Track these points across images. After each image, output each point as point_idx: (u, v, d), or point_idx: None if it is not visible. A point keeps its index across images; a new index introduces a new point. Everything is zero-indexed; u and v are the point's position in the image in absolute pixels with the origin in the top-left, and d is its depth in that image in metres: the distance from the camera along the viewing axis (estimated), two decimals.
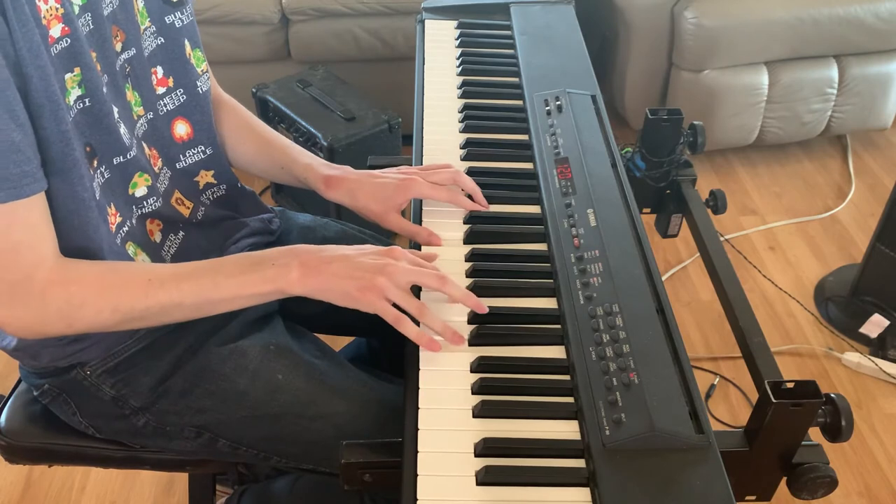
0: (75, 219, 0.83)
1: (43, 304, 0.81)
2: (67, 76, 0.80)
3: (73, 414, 0.99)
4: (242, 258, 0.89)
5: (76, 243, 0.84)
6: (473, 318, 0.89)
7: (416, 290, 0.91)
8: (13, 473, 1.71)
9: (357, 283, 0.85)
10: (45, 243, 0.80)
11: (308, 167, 1.08)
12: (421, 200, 1.06)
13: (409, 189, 1.03)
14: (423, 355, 0.85)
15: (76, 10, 0.80)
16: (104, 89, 0.84)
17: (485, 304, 0.88)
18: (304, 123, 2.08)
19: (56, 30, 0.77)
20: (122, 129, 0.88)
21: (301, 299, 0.89)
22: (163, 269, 0.87)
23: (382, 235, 1.22)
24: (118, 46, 0.89)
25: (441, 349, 0.85)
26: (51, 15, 0.77)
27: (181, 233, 1.01)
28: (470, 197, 1.05)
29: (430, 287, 0.87)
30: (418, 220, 1.03)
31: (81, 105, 0.82)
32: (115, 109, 0.87)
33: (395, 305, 0.85)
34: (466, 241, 1.00)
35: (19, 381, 1.07)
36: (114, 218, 0.89)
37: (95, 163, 0.86)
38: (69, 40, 0.79)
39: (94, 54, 0.83)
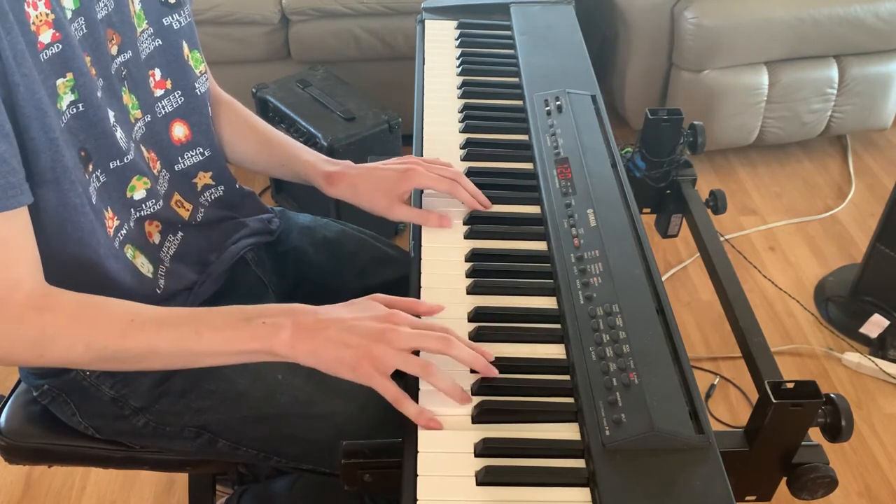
0: (68, 226, 0.82)
1: (16, 330, 0.77)
2: (59, 81, 0.79)
3: (73, 414, 0.99)
4: (233, 311, 0.83)
5: (71, 251, 0.83)
6: (474, 316, 0.89)
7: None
8: (13, 473, 1.71)
9: (352, 353, 0.78)
10: (21, 263, 0.77)
11: (308, 164, 1.08)
12: (421, 200, 1.06)
13: (411, 179, 1.03)
14: (423, 356, 0.85)
15: (68, 14, 0.80)
16: (99, 93, 0.84)
17: (494, 370, 0.82)
18: (304, 123, 2.08)
19: (46, 35, 0.76)
20: (119, 133, 0.88)
21: (301, 299, 0.88)
22: (148, 311, 0.82)
23: (383, 235, 1.22)
24: (113, 50, 0.88)
25: (443, 428, 0.78)
26: (40, 21, 0.76)
27: (180, 233, 1.01)
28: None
29: (434, 351, 0.80)
30: None
31: (75, 110, 0.81)
32: (112, 113, 0.86)
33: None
34: (466, 241, 1.00)
35: (19, 382, 1.07)
36: (111, 221, 0.89)
37: (90, 167, 0.85)
38: (60, 45, 0.78)
39: (87, 58, 0.82)
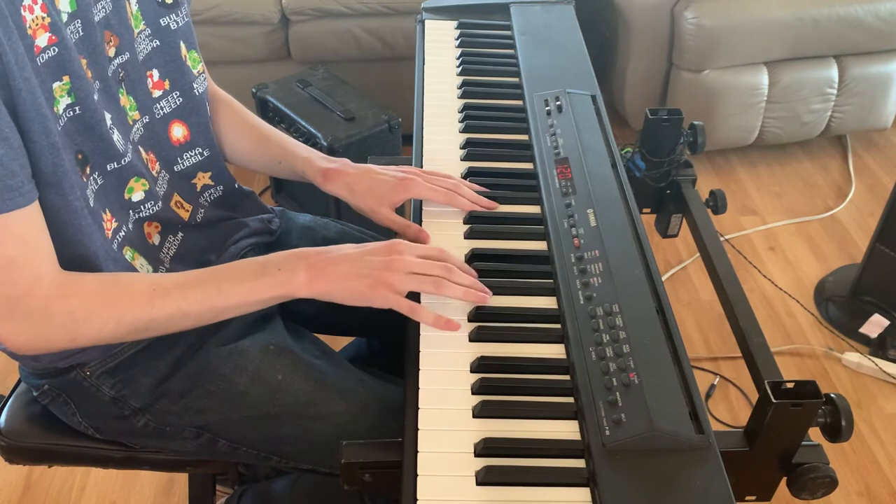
0: (69, 229, 0.82)
1: (46, 319, 0.80)
2: (56, 85, 0.79)
3: (73, 414, 0.99)
4: (247, 264, 0.88)
5: (71, 253, 0.83)
6: (474, 316, 0.90)
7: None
8: (13, 473, 1.71)
9: (367, 282, 0.85)
10: (42, 257, 0.79)
11: (306, 160, 1.08)
12: (422, 210, 1.06)
13: (408, 188, 1.03)
14: (423, 355, 0.85)
15: (64, 17, 0.79)
16: (95, 96, 0.84)
17: (489, 293, 0.90)
18: (304, 123, 2.08)
19: (42, 39, 0.76)
20: (116, 136, 0.88)
21: (301, 299, 0.88)
22: (167, 279, 0.86)
23: (383, 236, 1.22)
24: (111, 52, 0.88)
25: (461, 328, 0.87)
26: (36, 24, 0.75)
27: (180, 234, 1.01)
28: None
29: (438, 276, 0.88)
30: (418, 219, 1.03)
31: (71, 113, 0.81)
32: (108, 116, 0.86)
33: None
34: (466, 241, 1.00)
35: (19, 382, 1.07)
36: (109, 224, 0.89)
37: (88, 170, 0.85)
38: (56, 49, 0.78)
39: (84, 61, 0.82)
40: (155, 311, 0.83)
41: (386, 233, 1.08)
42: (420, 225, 1.02)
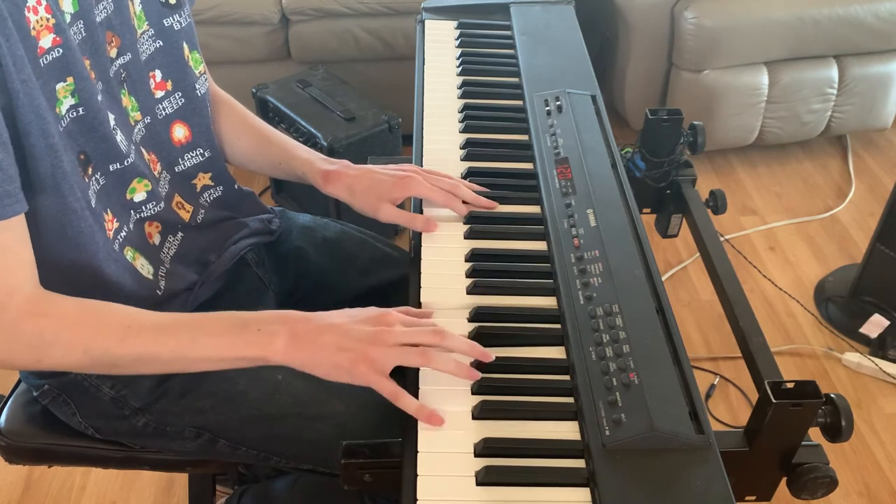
0: (68, 231, 0.82)
1: (13, 334, 0.77)
2: (59, 86, 0.78)
3: (73, 414, 0.99)
4: (229, 318, 0.84)
5: (70, 256, 0.83)
6: (474, 317, 0.89)
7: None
8: (13, 473, 1.71)
9: (349, 356, 0.80)
10: (20, 270, 0.77)
11: (306, 162, 1.08)
12: (421, 200, 1.06)
13: (408, 187, 1.03)
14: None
15: (67, 18, 0.79)
16: (99, 97, 0.84)
17: (490, 353, 0.83)
18: (304, 123, 2.08)
19: (46, 40, 0.76)
20: (119, 137, 0.87)
21: (301, 299, 0.88)
22: (146, 318, 0.82)
23: (383, 235, 1.22)
24: (113, 52, 0.88)
25: (444, 423, 0.78)
26: (41, 25, 0.75)
27: (180, 234, 1.01)
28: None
29: (429, 344, 0.81)
30: None
31: (74, 114, 0.81)
32: (112, 116, 0.86)
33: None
34: (466, 241, 1.00)
35: (19, 382, 1.07)
36: (111, 224, 0.89)
37: (90, 170, 0.85)
38: (61, 50, 0.77)
39: (87, 62, 0.82)
40: (124, 348, 0.80)
41: (387, 231, 1.08)
42: None
